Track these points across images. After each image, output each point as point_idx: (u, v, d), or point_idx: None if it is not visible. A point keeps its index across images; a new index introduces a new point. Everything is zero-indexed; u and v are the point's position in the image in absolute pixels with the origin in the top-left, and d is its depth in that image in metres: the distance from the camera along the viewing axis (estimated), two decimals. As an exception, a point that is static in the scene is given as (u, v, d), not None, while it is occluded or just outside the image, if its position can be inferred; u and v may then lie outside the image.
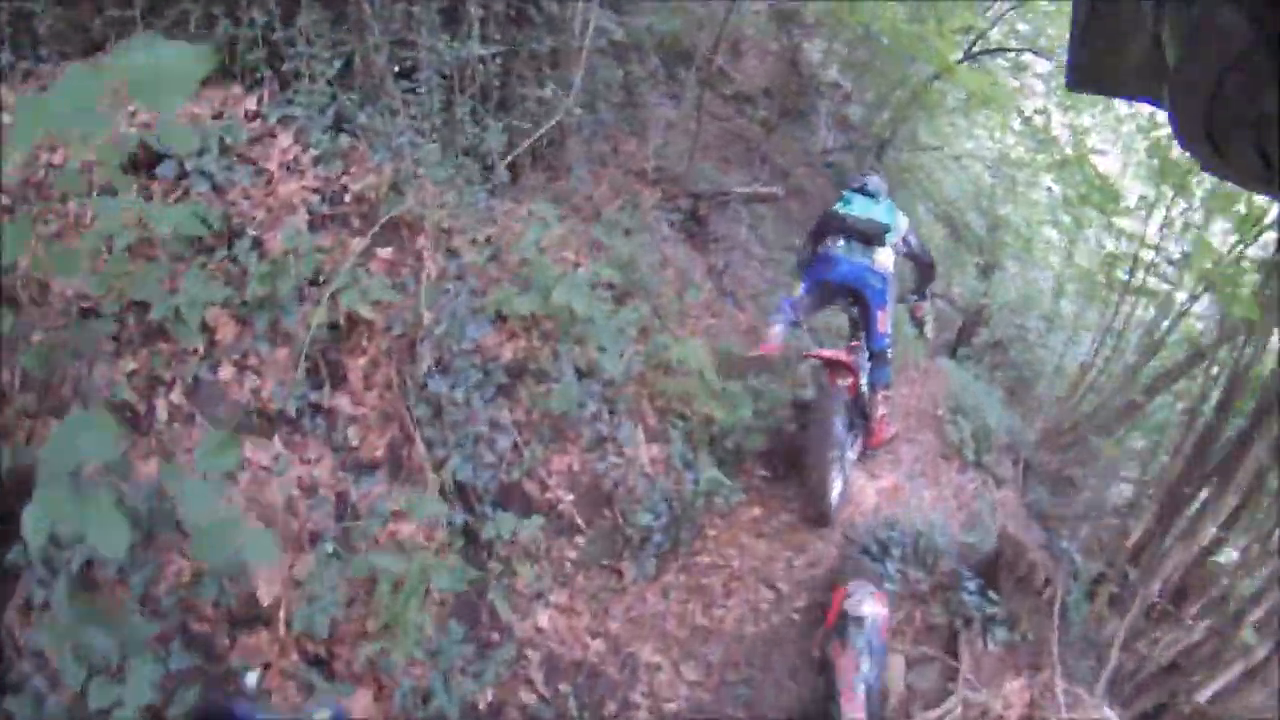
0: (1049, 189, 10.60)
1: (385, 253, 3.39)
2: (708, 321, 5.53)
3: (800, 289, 4.78)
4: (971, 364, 10.19)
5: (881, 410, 4.88)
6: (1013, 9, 9.20)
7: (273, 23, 3.71)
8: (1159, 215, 8.10)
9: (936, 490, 6.68)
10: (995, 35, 9.44)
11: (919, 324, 5.51)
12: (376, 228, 3.39)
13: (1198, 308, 8.03)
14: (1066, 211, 10.31)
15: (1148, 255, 8.01)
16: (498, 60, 4.47)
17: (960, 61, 8.07)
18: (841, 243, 4.59)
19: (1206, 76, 0.47)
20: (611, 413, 3.89)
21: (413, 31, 3.99)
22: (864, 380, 4.73)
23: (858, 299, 4.68)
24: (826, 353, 4.60)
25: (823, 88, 9.35)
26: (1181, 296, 8.22)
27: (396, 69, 3.86)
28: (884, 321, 4.64)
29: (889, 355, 4.80)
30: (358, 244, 3.31)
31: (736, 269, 6.54)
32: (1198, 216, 7.91)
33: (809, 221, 8.39)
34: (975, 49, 8.90)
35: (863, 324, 4.73)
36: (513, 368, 3.42)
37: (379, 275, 3.23)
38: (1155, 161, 8.10)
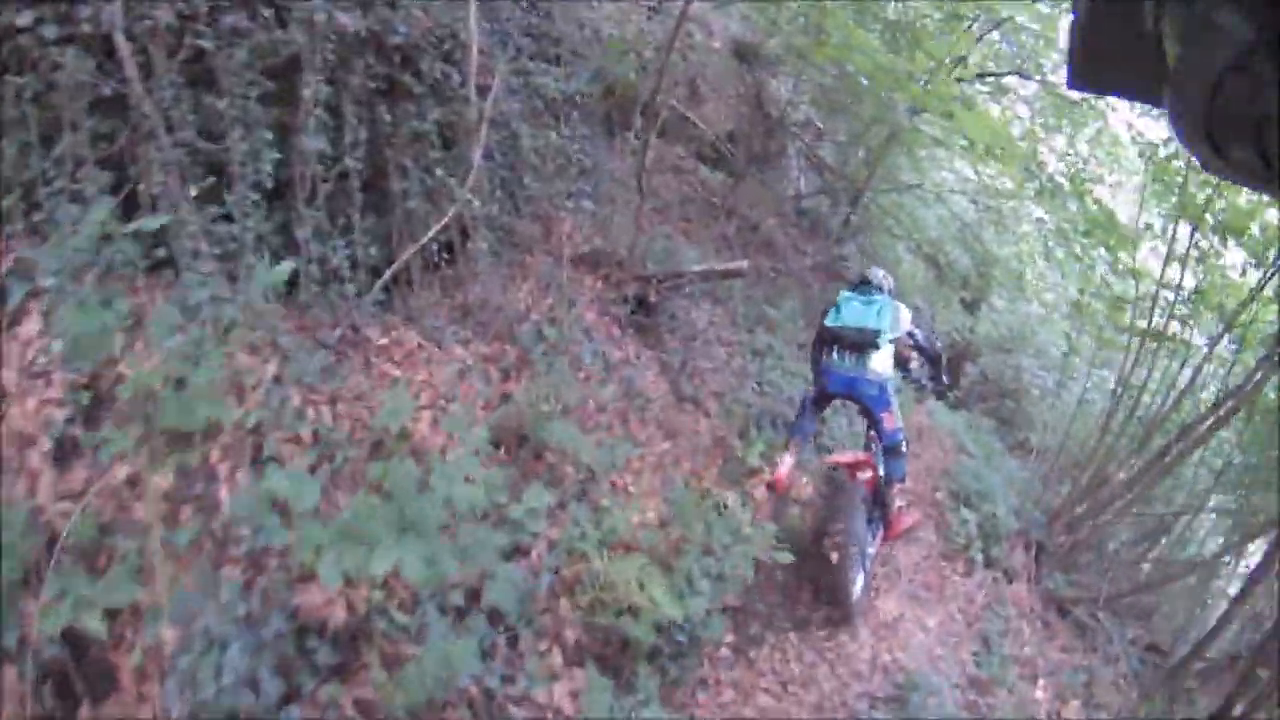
0: (1041, 219, 9.72)
1: (164, 482, 2.35)
2: (660, 447, 4.52)
3: (813, 391, 4.81)
4: (962, 408, 9.29)
5: (899, 503, 4.86)
6: (994, 29, 8.28)
7: (29, 150, 2.69)
8: (1166, 244, 7.14)
9: (942, 608, 5.70)
10: (973, 58, 8.57)
11: (904, 364, 5.18)
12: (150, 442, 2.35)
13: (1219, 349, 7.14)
14: (1058, 244, 9.45)
15: (1160, 294, 7.11)
16: (358, 152, 3.44)
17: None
18: (834, 355, 4.56)
19: (1206, 76, 0.47)
20: (514, 642, 2.88)
21: (224, 136, 2.95)
22: (881, 474, 4.70)
23: (859, 405, 4.73)
24: (846, 457, 4.62)
25: (793, 127, 8.39)
26: (1201, 339, 7.34)
27: (194, 191, 2.81)
28: (891, 420, 4.54)
29: (902, 449, 4.64)
30: (120, 476, 2.28)
31: (697, 361, 5.53)
32: (1207, 244, 6.98)
33: (784, 282, 7.52)
34: (956, 75, 7.99)
35: (871, 425, 4.73)
36: (350, 632, 2.39)
37: (141, 536, 2.18)
38: (1158, 186, 7.27)
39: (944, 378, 5.27)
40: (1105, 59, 0.63)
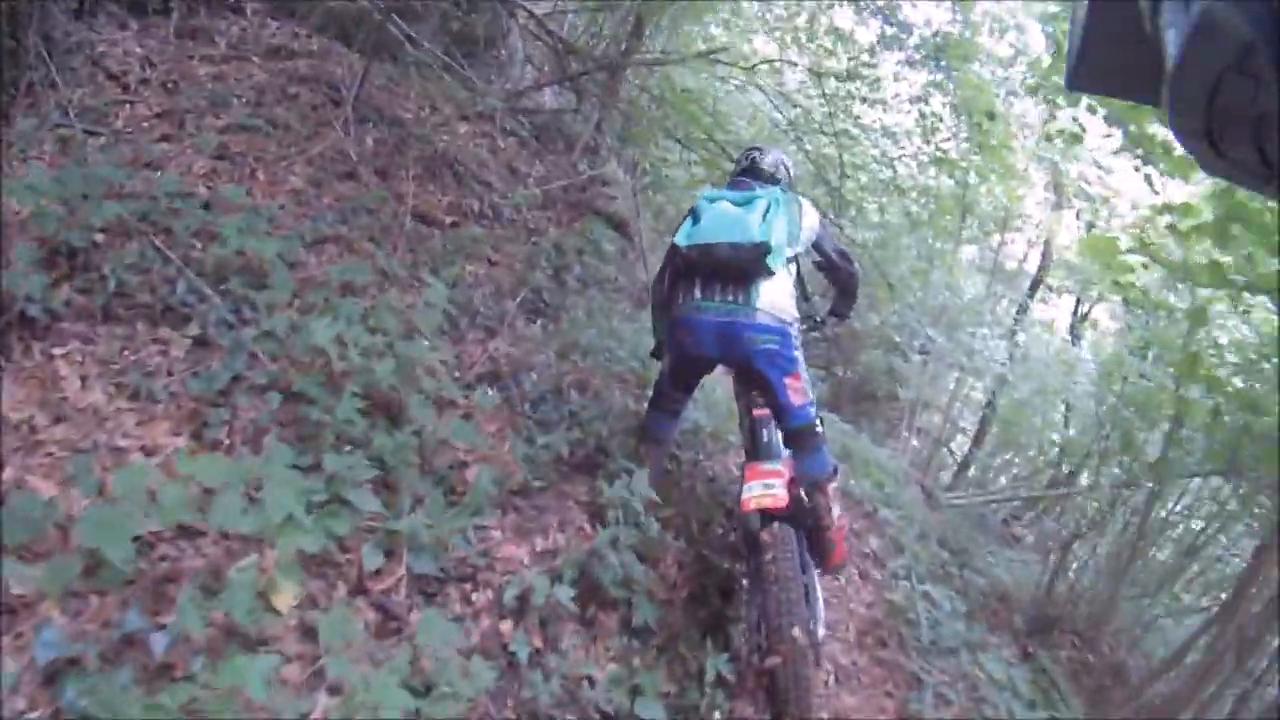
0: (918, 98, 6.36)
1: None
2: None
3: (668, 363, 3.04)
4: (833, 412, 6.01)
5: (835, 509, 2.82)
6: None
7: None
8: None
9: None
10: None
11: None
12: None
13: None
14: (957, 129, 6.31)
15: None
16: None
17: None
18: (697, 292, 2.83)
19: (1206, 76, 0.45)
20: None
21: None
22: (798, 478, 2.85)
23: (744, 371, 2.94)
24: (766, 502, 2.67)
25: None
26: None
27: None
28: (797, 389, 2.78)
29: (818, 429, 2.84)
30: None
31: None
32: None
33: (483, 260, 3.72)
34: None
35: (766, 400, 2.88)
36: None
37: None
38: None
39: (849, 310, 3.45)
40: (1104, 59, 0.60)
